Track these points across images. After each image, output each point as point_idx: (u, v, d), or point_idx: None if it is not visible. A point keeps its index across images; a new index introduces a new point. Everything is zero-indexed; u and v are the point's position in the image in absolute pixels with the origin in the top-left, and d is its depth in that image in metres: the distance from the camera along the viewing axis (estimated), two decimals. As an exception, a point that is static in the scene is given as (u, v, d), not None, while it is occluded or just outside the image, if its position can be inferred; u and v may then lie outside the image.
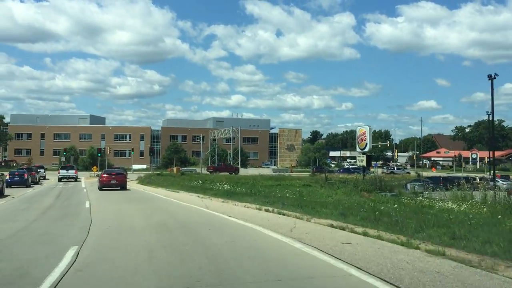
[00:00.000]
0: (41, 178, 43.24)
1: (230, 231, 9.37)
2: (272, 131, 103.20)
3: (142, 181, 39.45)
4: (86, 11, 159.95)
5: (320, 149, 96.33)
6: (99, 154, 55.07)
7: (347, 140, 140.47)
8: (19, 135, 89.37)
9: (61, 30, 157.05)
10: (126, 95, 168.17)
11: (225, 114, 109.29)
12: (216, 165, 66.06)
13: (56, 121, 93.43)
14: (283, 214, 12.18)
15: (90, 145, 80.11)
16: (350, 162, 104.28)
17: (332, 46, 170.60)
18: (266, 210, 13.29)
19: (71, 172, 42.12)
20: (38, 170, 43.12)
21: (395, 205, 16.58)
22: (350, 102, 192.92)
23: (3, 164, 76.67)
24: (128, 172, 55.92)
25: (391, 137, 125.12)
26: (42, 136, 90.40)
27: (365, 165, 39.51)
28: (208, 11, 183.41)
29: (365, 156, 40.06)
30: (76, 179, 42.18)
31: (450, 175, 48.86)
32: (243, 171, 61.53)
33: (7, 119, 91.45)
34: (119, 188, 26.60)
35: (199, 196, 20.86)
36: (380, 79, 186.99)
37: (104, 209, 14.70)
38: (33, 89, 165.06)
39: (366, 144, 41.32)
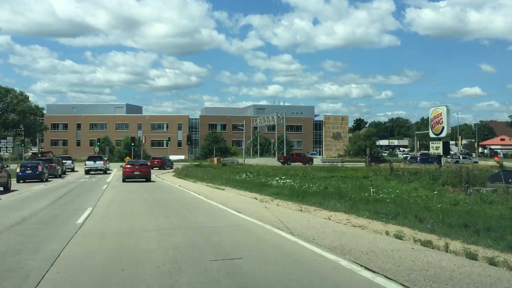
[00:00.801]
0: (67, 170, 38.49)
1: None
2: (316, 118, 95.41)
3: (179, 173, 33.42)
4: (124, 5, 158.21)
5: (370, 137, 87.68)
6: (132, 144, 50.07)
7: (394, 128, 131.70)
8: (55, 126, 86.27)
9: (101, 24, 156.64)
10: (164, 87, 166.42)
11: (262, 104, 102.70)
12: (287, 155, 61.41)
13: (92, 110, 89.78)
14: (464, 254, 5.33)
15: (126, 134, 75.58)
16: (404, 150, 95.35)
17: (370, 33, 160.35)
18: (417, 240, 6.43)
19: (99, 163, 36.83)
20: (64, 161, 38.07)
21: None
22: (390, 90, 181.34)
23: (39, 155, 73.73)
24: (173, 163, 49.76)
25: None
26: (79, 126, 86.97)
27: (441, 153, 33.66)
28: (243, 1, 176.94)
29: (441, 142, 34.04)
30: (105, 171, 36.97)
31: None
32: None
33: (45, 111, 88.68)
34: (144, 180, 24.70)
35: (256, 198, 14.26)
36: (421, 66, 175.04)
37: (102, 230, 8.38)
38: (75, 83, 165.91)
39: (443, 128, 35.50)
